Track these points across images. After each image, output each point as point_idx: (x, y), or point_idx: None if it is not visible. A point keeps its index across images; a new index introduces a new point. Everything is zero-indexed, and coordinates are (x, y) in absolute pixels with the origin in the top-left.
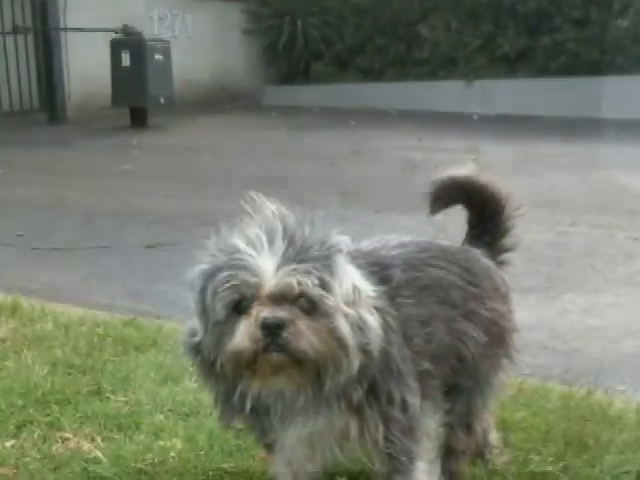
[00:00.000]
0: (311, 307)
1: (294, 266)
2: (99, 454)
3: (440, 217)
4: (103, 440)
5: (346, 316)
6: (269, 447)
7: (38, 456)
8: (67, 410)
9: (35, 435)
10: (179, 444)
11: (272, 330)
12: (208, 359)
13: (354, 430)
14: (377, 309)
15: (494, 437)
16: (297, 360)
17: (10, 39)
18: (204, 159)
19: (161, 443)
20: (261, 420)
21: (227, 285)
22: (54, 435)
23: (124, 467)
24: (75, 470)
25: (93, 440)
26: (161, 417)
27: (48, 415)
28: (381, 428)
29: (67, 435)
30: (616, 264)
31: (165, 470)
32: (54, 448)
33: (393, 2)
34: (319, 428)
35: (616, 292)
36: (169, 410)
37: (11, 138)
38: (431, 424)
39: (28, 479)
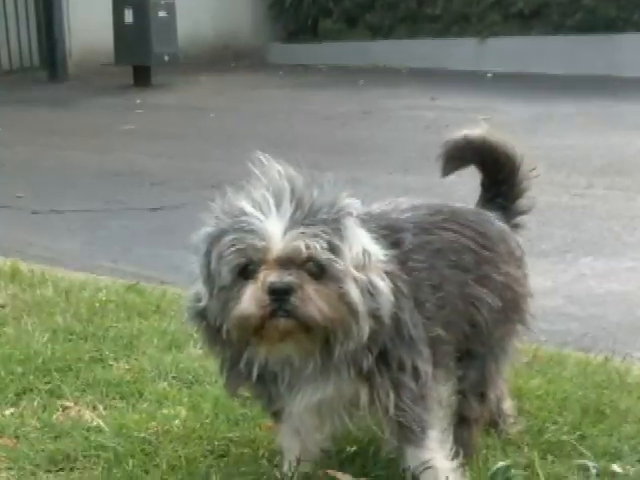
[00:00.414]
0: (320, 271)
1: (302, 229)
2: (101, 423)
3: (453, 178)
4: (105, 408)
5: (356, 281)
6: (276, 416)
7: (38, 425)
8: (68, 378)
9: (35, 403)
10: (183, 412)
11: (279, 295)
12: (213, 325)
13: (364, 398)
14: (388, 273)
15: (508, 405)
16: (305, 326)
17: None
18: (209, 119)
19: (165, 411)
20: (268, 388)
21: (233, 249)
22: (55, 403)
23: (127, 436)
24: (76, 439)
25: (95, 408)
26: (165, 385)
27: (48, 383)
28: (392, 396)
29: (68, 403)
30: (634, 227)
31: (169, 439)
32: (55, 417)
33: None
34: (328, 396)
35: (634, 256)
36: (173, 377)
37: (11, 97)
38: (443, 392)
39: (28, 449)
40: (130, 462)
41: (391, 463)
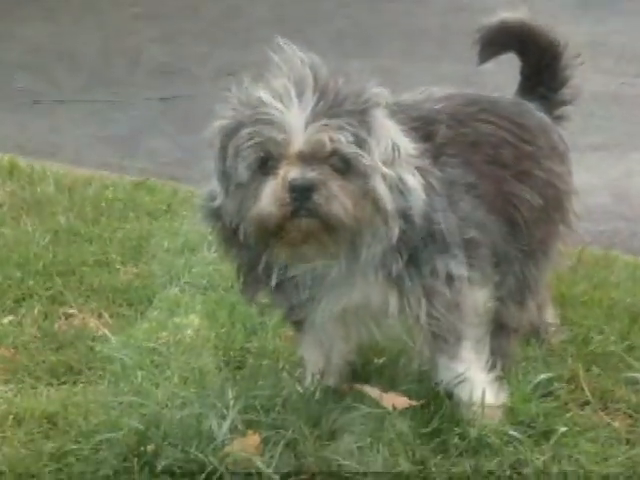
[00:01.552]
0: (345, 167)
1: (326, 121)
2: (107, 332)
3: (490, 66)
4: (111, 317)
5: (384, 177)
6: (298, 325)
7: (39, 334)
8: (71, 283)
9: (35, 311)
10: (197, 321)
11: (301, 193)
12: (229, 226)
13: (393, 305)
14: (419, 169)
15: (550, 313)
16: (329, 226)
17: None
18: (223, 1)
19: (176, 320)
20: (289, 295)
21: (251, 143)
22: (56, 311)
23: (135, 347)
24: (80, 350)
25: (100, 316)
26: (176, 291)
27: (50, 288)
28: (423, 303)
29: (71, 311)
30: None
31: (181, 350)
32: (56, 325)
33: None
34: (354, 303)
35: None
36: (185, 283)
37: None
38: (479, 298)
39: (28, 360)
40: (139, 375)
41: (423, 376)
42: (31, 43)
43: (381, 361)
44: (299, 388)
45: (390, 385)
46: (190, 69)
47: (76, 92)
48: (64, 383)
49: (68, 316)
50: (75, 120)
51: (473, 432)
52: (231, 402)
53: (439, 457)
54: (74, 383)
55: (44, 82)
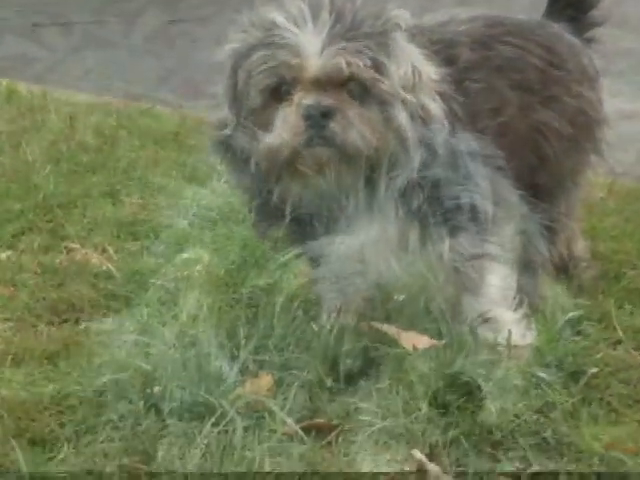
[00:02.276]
0: (363, 93)
1: (343, 44)
2: (111, 268)
3: None
4: (116, 251)
5: (404, 103)
6: (313, 261)
7: (39, 270)
8: (73, 216)
9: (35, 245)
10: (206, 256)
11: (317, 120)
12: (240, 156)
13: (414, 241)
14: (441, 95)
15: (580, 248)
16: (346, 156)
17: None
18: None
19: (185, 255)
20: (304, 229)
21: (263, 67)
22: (58, 245)
23: (141, 283)
24: (82, 287)
25: (104, 251)
26: (184, 224)
27: (50, 221)
28: (446, 238)
29: (73, 245)
30: None
31: (189, 286)
32: (58, 260)
33: None
34: (373, 238)
35: None
36: (194, 216)
37: None
38: (506, 233)
39: (28, 297)
40: (145, 312)
41: (445, 314)
42: None
43: (401, 299)
44: (314, 327)
45: (410, 324)
46: None
47: (77, 13)
48: (65, 321)
49: (70, 251)
50: (76, 44)
51: (498, 374)
52: (242, 342)
53: (462, 400)
54: (76, 321)
55: (42, 2)
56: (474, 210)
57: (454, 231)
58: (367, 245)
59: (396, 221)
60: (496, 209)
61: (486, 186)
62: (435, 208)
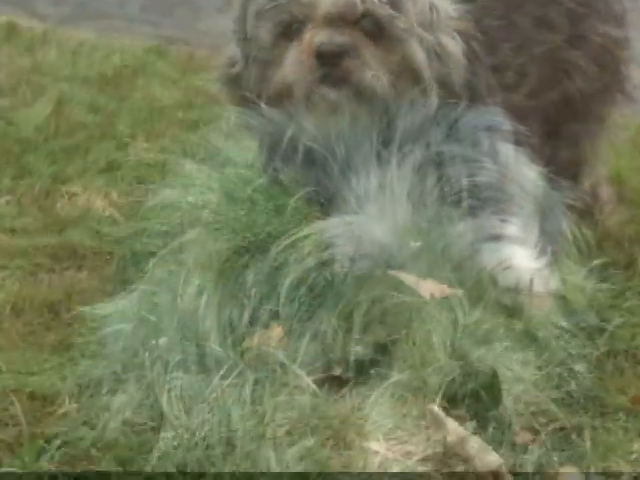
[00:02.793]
0: (378, 30)
1: None
2: (114, 213)
3: None
4: (119, 196)
5: (421, 41)
6: (326, 205)
7: (39, 216)
8: (75, 159)
9: (35, 190)
10: (214, 200)
11: (329, 59)
12: (250, 95)
13: (431, 182)
14: (459, 32)
15: (606, 192)
16: (360, 96)
17: None
18: None
19: (191, 199)
20: (316, 172)
21: (273, 3)
22: (59, 190)
23: (145, 229)
24: (85, 233)
25: (107, 196)
26: (191, 167)
27: (51, 165)
28: (465, 180)
29: (75, 189)
30: None
31: (197, 233)
32: (59, 205)
33: None
34: (388, 180)
35: None
36: (201, 159)
37: None
38: (528, 175)
39: (27, 244)
40: (149, 259)
41: (464, 263)
42: None
43: (418, 245)
44: (327, 275)
45: (428, 272)
46: None
47: None
48: (67, 269)
49: (71, 195)
50: (71, 16)
51: (519, 324)
52: (252, 290)
53: (481, 350)
54: (78, 269)
55: None
56: (494, 151)
57: (474, 172)
58: (383, 187)
59: (413, 161)
60: (518, 150)
61: (508, 126)
62: (454, 148)
